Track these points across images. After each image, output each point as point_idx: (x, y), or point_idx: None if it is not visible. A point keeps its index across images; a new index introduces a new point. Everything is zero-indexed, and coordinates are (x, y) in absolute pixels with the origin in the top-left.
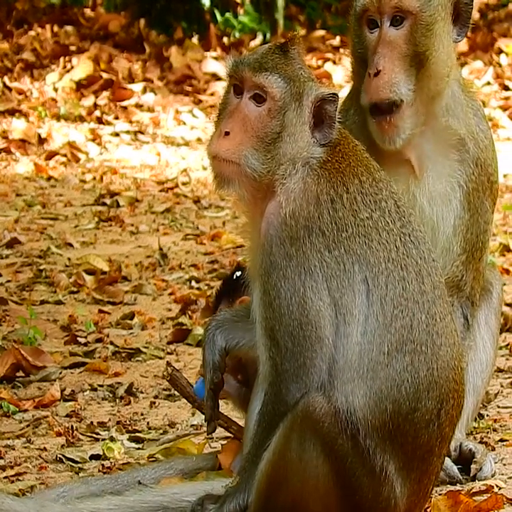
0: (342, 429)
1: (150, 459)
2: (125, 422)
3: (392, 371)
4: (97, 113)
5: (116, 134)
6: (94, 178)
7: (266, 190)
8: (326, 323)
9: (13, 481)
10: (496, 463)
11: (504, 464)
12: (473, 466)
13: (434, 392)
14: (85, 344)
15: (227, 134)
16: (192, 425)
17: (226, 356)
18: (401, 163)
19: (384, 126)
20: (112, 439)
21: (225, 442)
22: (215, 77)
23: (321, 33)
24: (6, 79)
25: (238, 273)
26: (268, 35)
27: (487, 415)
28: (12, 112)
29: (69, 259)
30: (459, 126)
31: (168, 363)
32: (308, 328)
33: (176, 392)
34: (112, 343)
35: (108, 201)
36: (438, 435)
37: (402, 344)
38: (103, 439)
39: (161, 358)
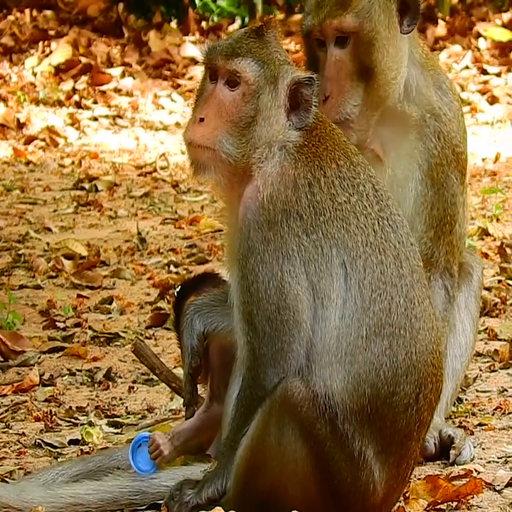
0: (320, 414)
1: None
2: (104, 406)
3: (370, 355)
4: (76, 97)
5: (95, 119)
6: (73, 163)
7: (242, 175)
8: (303, 308)
9: None
10: (474, 447)
11: (483, 449)
12: (452, 451)
13: (412, 376)
14: (64, 329)
15: (201, 120)
16: (170, 410)
17: (205, 341)
18: (366, 150)
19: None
20: (91, 424)
21: None
22: (194, 61)
23: (299, 16)
24: None
25: (178, 288)
26: (246, 20)
27: (466, 399)
28: None
29: (48, 243)
30: (415, 109)
31: (137, 337)
32: (286, 313)
33: (154, 377)
34: (90, 327)
35: (87, 186)
36: (416, 419)
37: (380, 328)
38: (82, 424)
39: None
